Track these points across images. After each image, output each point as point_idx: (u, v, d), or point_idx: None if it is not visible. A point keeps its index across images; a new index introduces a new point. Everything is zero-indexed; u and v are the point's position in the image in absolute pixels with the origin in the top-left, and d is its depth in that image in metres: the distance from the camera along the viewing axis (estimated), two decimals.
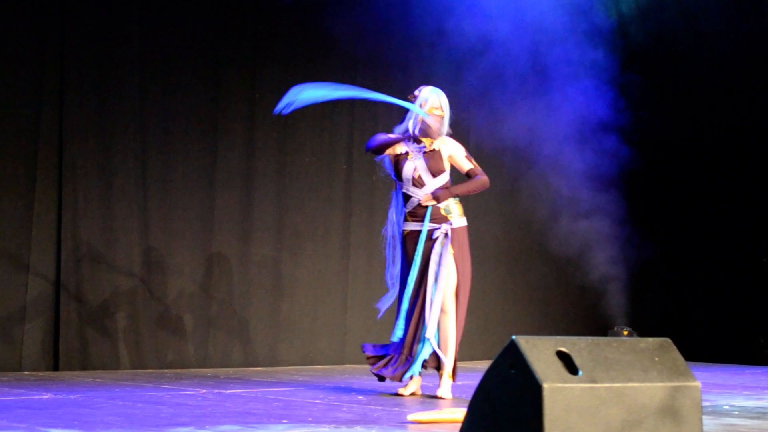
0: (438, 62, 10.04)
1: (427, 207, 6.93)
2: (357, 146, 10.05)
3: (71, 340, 8.31)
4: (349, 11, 9.74)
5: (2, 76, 8.19)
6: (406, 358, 6.88)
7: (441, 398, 6.71)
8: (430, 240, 6.91)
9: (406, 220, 7.00)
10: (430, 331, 6.81)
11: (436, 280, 6.88)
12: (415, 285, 6.93)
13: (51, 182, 8.33)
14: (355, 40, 9.71)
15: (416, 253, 6.90)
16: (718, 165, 12.22)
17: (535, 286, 11.37)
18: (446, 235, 6.90)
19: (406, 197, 6.99)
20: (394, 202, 7.15)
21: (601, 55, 10.27)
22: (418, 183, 6.94)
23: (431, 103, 6.96)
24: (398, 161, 6.98)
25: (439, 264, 6.89)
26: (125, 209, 8.64)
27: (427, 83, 7.30)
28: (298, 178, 9.68)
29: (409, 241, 6.98)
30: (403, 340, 6.93)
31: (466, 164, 7.00)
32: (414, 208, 6.97)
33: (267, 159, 9.48)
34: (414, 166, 6.95)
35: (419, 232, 6.93)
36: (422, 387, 7.04)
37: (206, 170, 9.13)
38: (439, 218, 6.93)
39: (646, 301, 11.72)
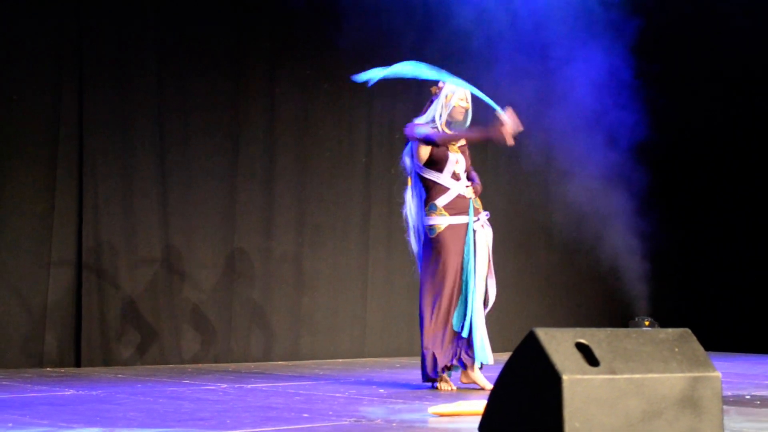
0: (450, 50, 10.00)
1: (467, 199, 6.90)
2: (375, 139, 10.06)
3: (93, 336, 8.35)
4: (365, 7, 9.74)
5: (21, 74, 8.23)
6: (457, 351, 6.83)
7: (484, 389, 6.70)
8: (473, 232, 6.90)
9: (439, 213, 6.91)
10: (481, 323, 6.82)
11: (486, 270, 6.90)
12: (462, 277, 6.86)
13: (71, 179, 8.36)
14: (370, 35, 9.71)
15: (468, 246, 6.85)
16: (743, 152, 12.16)
17: (554, 277, 11.36)
18: (484, 226, 6.92)
19: (439, 190, 6.93)
20: (415, 194, 7.04)
21: (620, 32, 10.20)
22: (455, 177, 6.93)
23: (458, 95, 6.94)
24: (437, 152, 6.91)
25: (488, 254, 6.92)
26: (146, 205, 8.67)
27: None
28: (318, 172, 9.70)
29: (450, 235, 6.87)
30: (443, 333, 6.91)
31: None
32: (452, 201, 6.89)
33: (287, 153, 9.50)
34: (456, 159, 6.93)
35: (461, 226, 6.88)
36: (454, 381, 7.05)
37: (227, 165, 9.15)
38: (474, 209, 6.94)
39: (667, 291, 11.69)
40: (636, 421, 3.39)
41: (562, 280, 11.50)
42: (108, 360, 8.37)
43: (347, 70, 9.86)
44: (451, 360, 6.82)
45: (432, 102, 7.03)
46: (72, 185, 8.36)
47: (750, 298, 12.29)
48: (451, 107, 6.92)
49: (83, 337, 8.30)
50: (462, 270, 6.84)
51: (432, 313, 6.83)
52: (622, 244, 10.79)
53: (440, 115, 6.94)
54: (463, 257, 6.84)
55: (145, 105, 8.72)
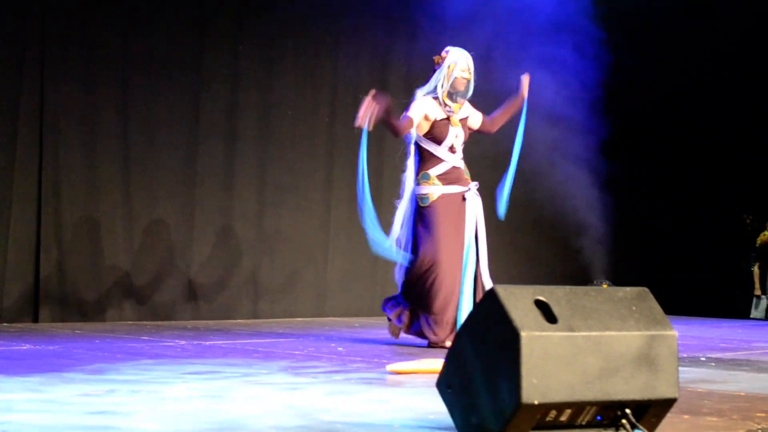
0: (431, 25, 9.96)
1: (459, 169, 6.93)
2: (340, 99, 10.02)
3: (51, 292, 8.29)
4: None
5: None
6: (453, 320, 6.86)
7: None
8: (463, 201, 6.91)
9: (432, 183, 6.90)
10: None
11: (481, 241, 6.93)
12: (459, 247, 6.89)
13: (32, 134, 8.27)
14: None
15: (467, 215, 6.88)
16: (701, 122, 12.28)
17: (515, 242, 11.39)
18: (477, 193, 6.95)
19: (434, 161, 6.92)
20: (412, 164, 7.00)
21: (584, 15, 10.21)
22: (452, 149, 6.94)
23: (460, 66, 6.93)
24: (438, 126, 6.91)
25: (483, 223, 6.95)
26: (107, 161, 8.60)
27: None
28: (280, 131, 9.66)
29: (442, 204, 6.89)
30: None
31: (478, 117, 7.14)
32: (446, 172, 6.92)
33: (249, 112, 9.45)
34: (456, 133, 6.93)
35: (454, 195, 6.90)
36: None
37: (188, 123, 9.09)
38: (464, 180, 6.96)
39: (625, 255, 11.77)
40: (593, 378, 3.41)
41: (524, 244, 11.53)
42: (66, 316, 8.32)
43: (311, 29, 9.85)
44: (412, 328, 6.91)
45: (435, 71, 7.02)
46: (33, 140, 8.28)
47: (707, 263, 12.41)
48: (453, 78, 6.92)
49: (41, 294, 8.25)
50: (458, 240, 6.86)
51: (421, 278, 6.86)
52: (582, 209, 10.83)
53: (442, 85, 6.94)
54: (457, 227, 6.87)
55: (108, 62, 8.62)
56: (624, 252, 11.75)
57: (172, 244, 8.98)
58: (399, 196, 7.11)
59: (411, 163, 7.01)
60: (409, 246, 6.99)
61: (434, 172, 6.91)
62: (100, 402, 4.07)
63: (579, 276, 11.13)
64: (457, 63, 6.93)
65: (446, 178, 6.92)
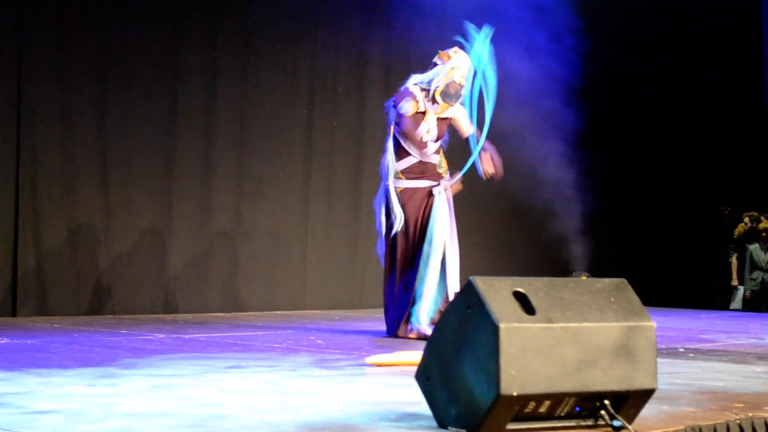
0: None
1: (426, 164, 6.92)
2: (318, 92, 10.01)
3: (29, 286, 8.26)
4: None
5: None
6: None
7: None
8: (430, 196, 6.90)
9: (397, 177, 6.92)
10: (453, 287, 6.86)
11: (448, 236, 6.93)
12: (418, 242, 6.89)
13: (9, 126, 8.23)
14: None
15: (432, 210, 6.88)
16: (677, 115, 12.33)
17: (495, 235, 11.40)
18: (446, 190, 6.94)
19: (402, 154, 6.92)
20: (389, 153, 6.99)
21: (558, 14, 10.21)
22: (421, 144, 6.92)
23: (461, 72, 6.92)
24: (414, 120, 6.89)
25: (448, 220, 6.93)
26: (85, 155, 8.56)
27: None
28: (258, 123, 9.63)
29: (409, 199, 6.90)
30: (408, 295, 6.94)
31: (468, 128, 7.07)
32: (411, 166, 6.92)
33: (227, 104, 9.42)
34: (428, 128, 6.92)
35: (415, 190, 6.89)
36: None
37: (166, 114, 9.06)
38: (435, 175, 6.95)
39: (604, 248, 11.79)
40: (572, 369, 3.41)
41: (502, 237, 11.55)
42: (44, 310, 8.29)
43: (288, 21, 9.83)
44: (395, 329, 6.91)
45: (435, 65, 6.99)
46: (10, 136, 8.24)
47: (685, 255, 12.46)
48: (450, 80, 6.90)
49: (19, 287, 8.21)
50: (419, 235, 6.86)
51: (389, 273, 6.91)
52: (561, 201, 10.84)
53: (437, 84, 6.91)
54: (421, 222, 6.87)
55: (85, 54, 8.59)
56: (603, 244, 11.77)
57: (150, 238, 8.94)
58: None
59: (390, 147, 6.99)
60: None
61: (399, 166, 6.93)
62: (78, 396, 4.05)
63: (558, 268, 11.14)
64: (460, 67, 6.91)
65: (410, 172, 6.93)
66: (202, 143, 9.26)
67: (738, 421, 3.74)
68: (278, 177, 9.77)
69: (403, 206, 6.89)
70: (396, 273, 6.93)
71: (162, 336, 6.84)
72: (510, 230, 11.52)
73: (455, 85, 6.91)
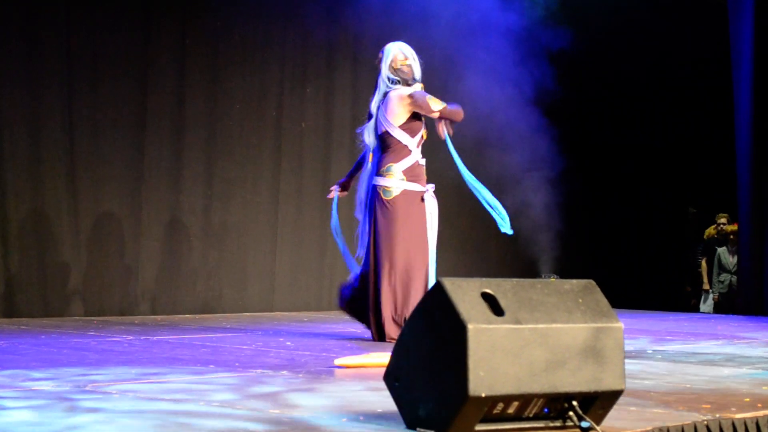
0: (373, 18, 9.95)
1: (421, 167, 6.87)
2: (287, 93, 10.00)
3: None
4: None
5: None
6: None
7: None
8: (422, 201, 6.87)
9: (395, 176, 6.78)
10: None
11: (435, 238, 6.92)
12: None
13: None
14: None
15: (431, 214, 6.84)
16: (649, 117, 12.41)
17: (463, 237, 11.42)
18: (434, 195, 6.92)
19: (402, 154, 6.82)
20: (373, 162, 6.90)
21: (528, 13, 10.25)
22: (419, 144, 6.88)
23: (396, 57, 6.88)
24: (416, 118, 6.84)
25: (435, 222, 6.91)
26: (53, 156, 8.50)
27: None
28: (227, 125, 9.61)
29: (403, 201, 6.79)
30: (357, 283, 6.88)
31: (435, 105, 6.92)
32: (411, 167, 6.83)
33: (196, 106, 9.39)
34: (423, 126, 6.90)
35: (416, 193, 6.83)
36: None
37: (135, 116, 9.02)
38: (424, 179, 6.93)
39: (574, 251, 11.84)
40: (540, 370, 3.41)
41: (471, 239, 11.56)
42: (11, 312, 8.23)
43: (258, 22, 9.82)
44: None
45: (380, 74, 6.96)
46: None
47: (652, 258, 12.52)
48: (396, 71, 6.87)
49: None
50: (418, 239, 6.81)
51: (389, 277, 6.80)
52: (531, 204, 10.88)
53: (393, 81, 6.87)
54: (417, 225, 6.81)
55: (53, 56, 8.52)
56: (572, 247, 11.81)
57: (118, 239, 8.90)
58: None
59: (369, 163, 6.93)
60: (367, 239, 6.91)
61: (399, 166, 6.80)
62: (45, 399, 4.02)
63: (527, 270, 11.18)
64: (390, 54, 6.87)
65: (410, 173, 6.83)
66: (171, 145, 9.23)
67: (705, 423, 3.76)
68: (247, 179, 9.75)
69: (401, 208, 6.80)
70: (394, 279, 6.81)
71: (130, 338, 6.81)
72: (478, 232, 11.52)
73: (405, 68, 6.85)
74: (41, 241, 8.43)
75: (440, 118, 6.84)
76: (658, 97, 12.52)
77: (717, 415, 3.87)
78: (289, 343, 6.71)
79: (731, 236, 12.13)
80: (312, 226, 10.10)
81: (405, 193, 6.82)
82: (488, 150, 10.48)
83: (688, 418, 3.80)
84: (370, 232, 6.87)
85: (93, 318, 8.46)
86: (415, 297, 6.66)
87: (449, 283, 3.46)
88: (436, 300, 3.46)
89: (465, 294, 3.43)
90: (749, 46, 11.28)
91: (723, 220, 12.32)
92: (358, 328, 7.25)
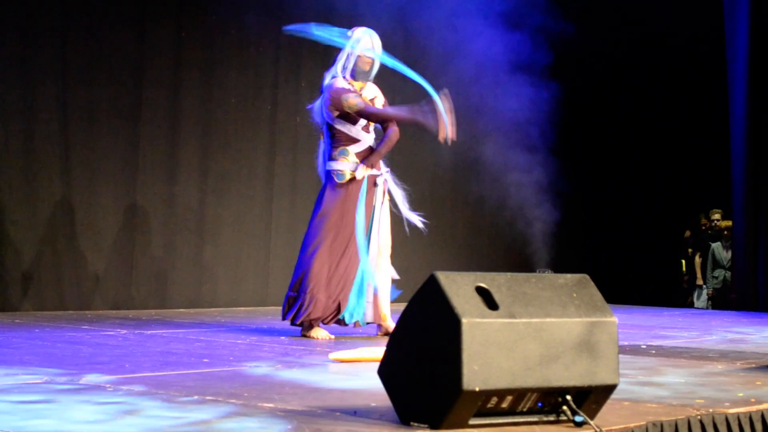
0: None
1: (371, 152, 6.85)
2: (281, 87, 9.99)
3: None
4: None
5: None
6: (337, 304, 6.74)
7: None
8: (374, 186, 6.84)
9: (349, 159, 6.74)
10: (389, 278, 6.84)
11: (384, 226, 6.88)
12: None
13: None
14: None
15: (376, 201, 6.80)
16: (640, 113, 12.41)
17: (458, 231, 11.42)
18: (385, 181, 6.88)
19: (350, 141, 6.80)
20: (324, 149, 6.89)
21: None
22: (366, 129, 6.85)
23: (364, 44, 6.85)
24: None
25: (383, 210, 6.86)
26: (47, 148, 8.48)
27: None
28: (222, 119, 9.60)
29: (358, 184, 6.77)
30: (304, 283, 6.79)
31: (382, 102, 6.96)
32: (363, 151, 6.79)
33: (192, 100, 9.39)
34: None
35: (369, 176, 6.78)
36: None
37: (130, 110, 9.01)
38: (378, 164, 6.90)
39: (569, 247, 11.84)
40: (534, 364, 3.42)
41: (465, 235, 11.57)
42: (5, 305, 8.22)
43: (254, 16, 9.80)
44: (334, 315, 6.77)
45: (342, 50, 6.93)
46: None
47: (648, 254, 12.53)
48: (356, 57, 6.85)
49: None
50: (360, 223, 6.77)
51: (318, 257, 6.74)
52: (527, 201, 10.87)
53: (344, 67, 6.85)
54: (366, 209, 6.78)
55: (48, 48, 8.51)
56: (567, 243, 11.82)
57: (114, 233, 8.89)
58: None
59: (323, 145, 6.89)
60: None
61: (353, 149, 6.78)
62: (38, 393, 4.02)
63: (522, 267, 11.18)
64: (360, 41, 6.84)
65: (363, 156, 6.79)
66: (166, 139, 9.22)
67: (699, 417, 3.77)
68: (242, 173, 9.74)
69: (351, 191, 6.75)
70: (334, 259, 6.77)
71: (124, 332, 6.80)
72: (472, 230, 11.53)
73: (364, 59, 6.83)
74: (37, 234, 8.41)
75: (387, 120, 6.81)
76: (652, 92, 12.53)
77: (710, 410, 3.87)
78: (283, 338, 6.71)
79: (725, 232, 12.14)
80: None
81: (355, 178, 6.76)
82: (483, 143, 10.49)
83: (682, 413, 3.80)
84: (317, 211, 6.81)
85: (87, 312, 8.46)
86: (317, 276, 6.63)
87: (443, 277, 3.46)
88: (431, 294, 3.46)
89: (459, 288, 3.43)
90: (744, 42, 11.29)
91: (717, 216, 12.33)
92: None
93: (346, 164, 6.78)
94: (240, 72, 9.72)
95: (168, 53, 9.23)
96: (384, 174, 6.87)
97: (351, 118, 6.77)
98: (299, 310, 6.69)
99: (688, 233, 12.59)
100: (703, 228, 12.58)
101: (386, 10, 9.67)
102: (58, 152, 8.53)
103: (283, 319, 6.80)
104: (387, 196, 6.91)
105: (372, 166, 6.81)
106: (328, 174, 6.82)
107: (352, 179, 6.76)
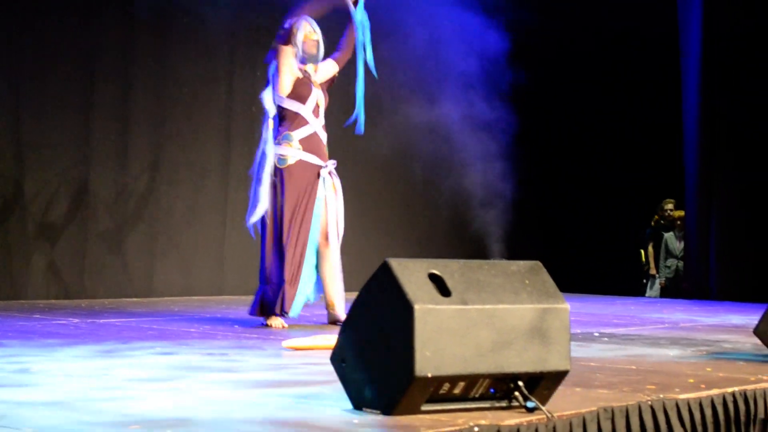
0: None
1: (320, 139, 6.82)
2: (237, 76, 9.94)
3: None
4: None
5: None
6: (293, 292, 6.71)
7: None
8: (317, 178, 6.80)
9: (291, 145, 6.70)
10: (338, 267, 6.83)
11: (334, 215, 6.84)
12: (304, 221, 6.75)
13: None
14: None
15: (322, 188, 6.77)
16: (594, 101, 12.47)
17: (412, 220, 11.43)
18: (331, 174, 6.86)
19: (298, 122, 6.76)
20: (268, 134, 6.80)
21: None
22: (315, 113, 6.84)
23: (305, 30, 6.85)
24: (301, 83, 6.80)
25: (333, 199, 6.84)
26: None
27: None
28: (176, 108, 9.54)
29: (297, 170, 6.72)
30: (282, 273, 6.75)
31: (330, 62, 7.00)
32: (308, 137, 6.77)
33: (144, 89, 9.32)
34: (317, 95, 6.84)
35: (311, 165, 6.75)
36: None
37: (81, 99, 8.94)
38: (324, 154, 6.86)
39: (522, 235, 11.87)
40: (486, 350, 3.42)
41: (420, 223, 11.57)
42: None
43: (207, 5, 9.74)
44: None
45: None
46: None
47: (602, 242, 12.59)
48: (301, 43, 6.84)
49: None
50: (305, 212, 6.73)
51: (279, 248, 6.72)
52: (480, 187, 10.89)
53: (301, 59, 6.86)
54: (308, 198, 6.74)
55: None
56: (521, 231, 11.84)
57: (66, 222, 8.82)
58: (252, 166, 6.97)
59: (270, 125, 6.80)
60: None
61: (297, 135, 6.74)
62: None
63: (477, 256, 11.19)
64: (300, 28, 6.82)
65: (307, 143, 6.75)
66: (118, 128, 9.15)
67: (650, 403, 3.79)
68: (196, 162, 9.69)
69: (293, 177, 6.71)
70: (286, 252, 6.73)
71: (76, 321, 6.76)
72: (427, 217, 11.54)
73: (310, 43, 6.83)
74: None
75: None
76: (607, 81, 12.57)
77: (661, 396, 3.90)
78: (237, 326, 6.68)
79: (678, 222, 12.22)
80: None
81: (300, 163, 6.73)
82: (437, 132, 10.49)
83: (633, 398, 3.82)
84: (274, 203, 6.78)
85: (39, 301, 8.39)
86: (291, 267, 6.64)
87: (396, 264, 3.46)
88: (383, 280, 3.46)
89: (412, 274, 3.43)
90: (697, 32, 11.37)
91: (670, 206, 12.40)
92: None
93: (288, 150, 6.74)
94: (193, 60, 9.66)
95: (119, 42, 9.15)
96: (329, 165, 6.85)
97: (300, 98, 6.76)
98: (264, 301, 6.70)
99: (654, 221, 12.63)
100: (656, 218, 12.65)
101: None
102: (10, 146, 8.45)
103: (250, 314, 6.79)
104: (334, 187, 6.89)
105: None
106: (276, 156, 6.76)
107: (299, 167, 6.72)
